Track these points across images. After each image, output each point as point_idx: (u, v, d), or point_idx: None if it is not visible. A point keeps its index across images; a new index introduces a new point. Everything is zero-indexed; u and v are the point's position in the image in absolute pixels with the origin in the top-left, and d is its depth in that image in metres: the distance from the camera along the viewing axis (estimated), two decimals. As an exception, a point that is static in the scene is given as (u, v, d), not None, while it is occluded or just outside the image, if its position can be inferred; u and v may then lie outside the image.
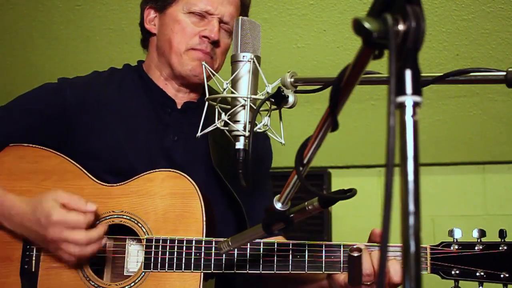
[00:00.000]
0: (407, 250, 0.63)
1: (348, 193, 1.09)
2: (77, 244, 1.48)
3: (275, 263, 1.51)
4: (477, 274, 1.41)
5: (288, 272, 1.51)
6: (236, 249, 1.51)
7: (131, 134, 1.71)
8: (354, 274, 1.40)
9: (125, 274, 1.61)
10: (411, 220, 0.64)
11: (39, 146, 1.68)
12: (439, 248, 1.45)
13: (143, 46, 1.88)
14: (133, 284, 1.54)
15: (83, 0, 2.92)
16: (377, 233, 1.51)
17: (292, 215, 1.17)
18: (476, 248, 1.43)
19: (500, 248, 1.42)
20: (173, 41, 1.71)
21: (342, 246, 1.49)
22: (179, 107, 1.79)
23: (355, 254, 1.38)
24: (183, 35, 1.70)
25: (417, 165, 0.65)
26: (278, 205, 1.16)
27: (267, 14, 2.77)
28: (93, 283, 1.55)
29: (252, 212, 1.72)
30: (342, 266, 1.48)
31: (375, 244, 1.50)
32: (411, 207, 0.64)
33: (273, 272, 1.51)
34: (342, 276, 1.48)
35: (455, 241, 1.45)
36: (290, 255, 1.51)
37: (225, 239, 1.34)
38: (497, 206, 3.37)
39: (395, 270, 1.42)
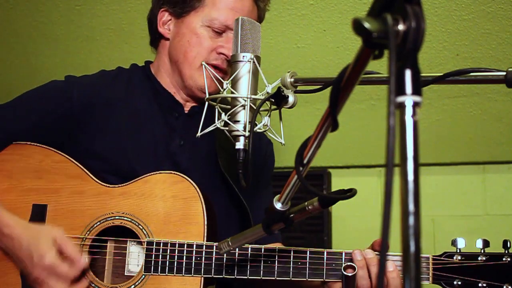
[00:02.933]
0: (407, 250, 0.63)
1: (348, 193, 1.09)
2: None
3: (276, 269, 1.51)
4: (480, 285, 1.39)
5: (289, 278, 1.51)
6: (237, 254, 1.51)
7: (137, 137, 1.70)
8: None
9: (125, 274, 1.61)
10: (411, 220, 0.64)
11: (42, 145, 1.68)
12: (442, 258, 1.43)
13: (152, 45, 1.85)
14: (133, 286, 1.53)
15: (83, 0, 2.92)
16: (378, 243, 1.49)
17: (292, 215, 1.17)
18: (479, 258, 1.41)
19: (504, 259, 1.39)
20: (189, 53, 1.68)
21: (344, 254, 1.49)
22: (186, 111, 1.78)
23: (350, 273, 1.37)
24: (200, 49, 1.67)
25: (417, 165, 0.65)
26: (278, 205, 1.16)
27: (267, 14, 2.77)
28: (93, 285, 1.55)
29: (255, 215, 1.71)
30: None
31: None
32: (411, 207, 0.64)
33: (273, 278, 1.51)
34: (338, 285, 1.48)
35: (458, 251, 1.43)
36: (291, 262, 1.51)
37: (224, 239, 1.34)
38: (497, 206, 3.36)
39: (394, 283, 1.40)
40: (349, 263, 1.40)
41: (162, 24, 1.76)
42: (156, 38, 1.81)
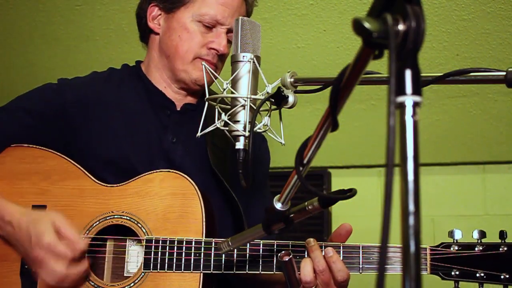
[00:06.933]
0: (407, 250, 0.63)
1: (348, 193, 1.09)
2: (54, 275, 1.47)
3: (274, 263, 1.51)
4: (477, 275, 1.40)
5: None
6: (236, 250, 1.51)
7: (131, 135, 1.72)
8: (290, 278, 1.40)
9: (125, 274, 1.61)
10: (411, 220, 0.64)
11: (39, 147, 1.68)
12: (439, 248, 1.44)
13: (142, 41, 1.85)
14: (132, 284, 1.54)
15: (83, 0, 2.92)
16: (340, 232, 1.49)
17: (292, 215, 1.17)
18: (476, 249, 1.42)
19: (500, 249, 1.40)
20: (180, 48, 1.69)
21: (342, 248, 1.49)
22: (178, 108, 1.79)
23: (286, 259, 1.37)
24: (191, 44, 1.68)
25: (417, 165, 0.65)
26: (278, 205, 1.16)
27: (267, 14, 2.77)
28: (92, 283, 1.55)
29: (250, 213, 1.72)
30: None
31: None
32: (411, 207, 0.64)
33: (272, 272, 1.51)
34: None
35: (455, 242, 1.44)
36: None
37: (225, 239, 1.34)
38: (497, 206, 3.37)
39: (337, 267, 1.40)
40: (282, 252, 1.39)
41: (152, 18, 1.77)
42: (146, 33, 1.82)
